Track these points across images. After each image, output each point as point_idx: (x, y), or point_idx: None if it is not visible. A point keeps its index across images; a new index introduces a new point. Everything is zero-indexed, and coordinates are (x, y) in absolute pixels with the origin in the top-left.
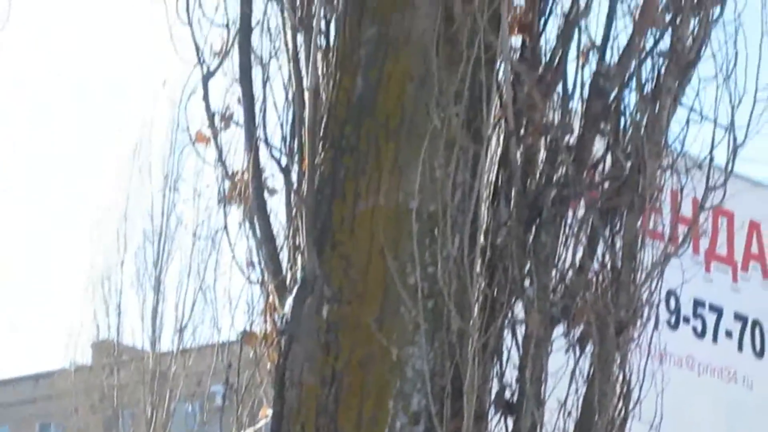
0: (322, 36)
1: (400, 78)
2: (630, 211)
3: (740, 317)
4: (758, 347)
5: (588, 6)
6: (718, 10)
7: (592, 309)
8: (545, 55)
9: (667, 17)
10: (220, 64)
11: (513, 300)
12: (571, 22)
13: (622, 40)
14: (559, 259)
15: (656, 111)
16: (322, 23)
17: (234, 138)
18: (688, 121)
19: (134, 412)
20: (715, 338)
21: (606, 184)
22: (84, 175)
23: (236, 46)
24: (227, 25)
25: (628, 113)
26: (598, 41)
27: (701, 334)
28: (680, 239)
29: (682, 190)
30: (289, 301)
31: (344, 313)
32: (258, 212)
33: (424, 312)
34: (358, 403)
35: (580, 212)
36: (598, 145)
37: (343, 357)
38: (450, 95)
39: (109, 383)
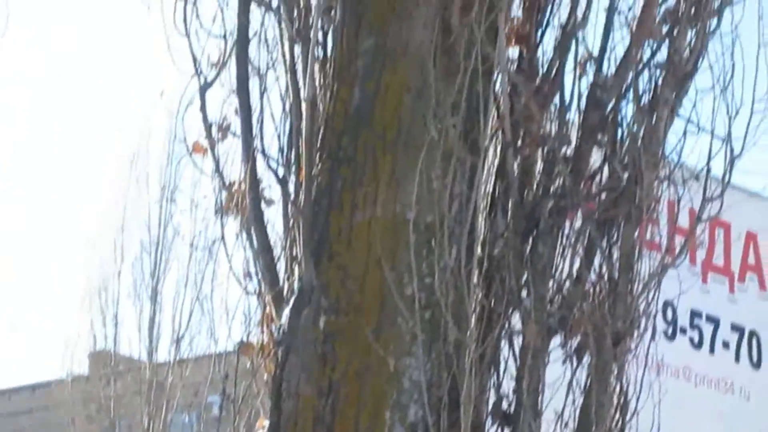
0: (320, 47)
1: (397, 89)
2: (627, 222)
3: (737, 328)
4: (755, 358)
5: (585, 17)
6: (715, 21)
7: (589, 320)
8: (542, 67)
9: (664, 29)
10: (218, 75)
11: (510, 311)
12: (569, 33)
13: (620, 51)
14: (556, 270)
15: (653, 122)
16: (320, 34)
17: (231, 149)
18: (685, 133)
19: (131, 422)
20: (712, 349)
21: (603, 195)
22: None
23: (233, 57)
24: (224, 36)
25: (625, 124)
26: (596, 52)
27: (698, 345)
28: (677, 250)
29: (679, 201)
30: (286, 311)
31: (341, 323)
32: (255, 223)
33: (422, 323)
34: (355, 414)
35: (578, 223)
36: (595, 156)
37: (340, 368)
38: (447, 106)
39: (106, 394)
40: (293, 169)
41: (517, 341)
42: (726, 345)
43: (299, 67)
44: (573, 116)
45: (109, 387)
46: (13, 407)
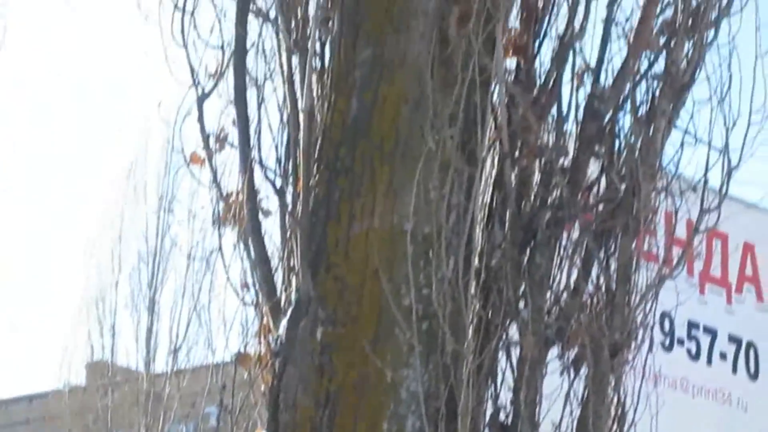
0: (317, 58)
1: (395, 100)
2: (624, 233)
3: (734, 339)
4: (752, 369)
5: (582, 28)
6: (712, 33)
7: (587, 331)
8: (540, 78)
9: (662, 40)
10: (215, 85)
11: (507, 322)
12: (566, 44)
13: (617, 62)
14: (553, 281)
15: (651, 133)
16: (317, 45)
17: (229, 159)
18: (682, 144)
19: None
20: (709, 360)
21: (600, 207)
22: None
23: (231, 67)
24: (222, 47)
25: (622, 135)
26: (593, 64)
27: (695, 356)
28: (675, 261)
29: (676, 212)
30: (284, 322)
31: (338, 335)
32: (252, 234)
33: (419, 334)
34: (353, 425)
35: (575, 234)
36: (593, 168)
37: (337, 379)
38: (445, 117)
39: (103, 404)
40: (291, 179)
41: (515, 352)
42: (723, 356)
43: (297, 77)
44: (570, 127)
45: (106, 398)
46: (10, 418)
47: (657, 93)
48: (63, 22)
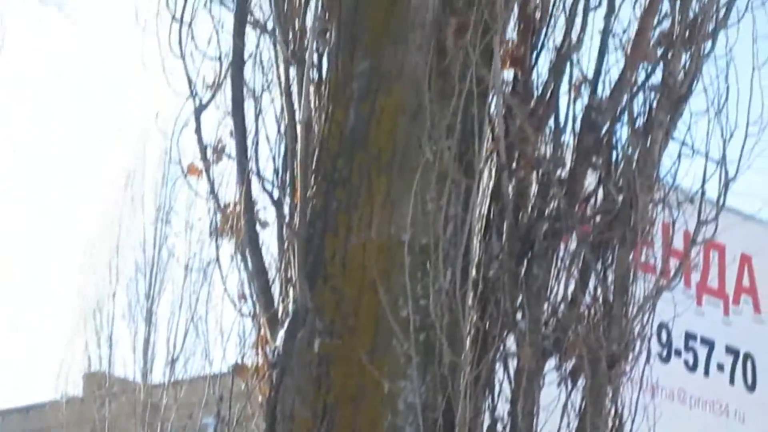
0: (315, 69)
1: (392, 111)
2: (622, 244)
3: (732, 350)
4: (750, 381)
5: (580, 40)
6: (709, 44)
7: (584, 342)
8: (537, 89)
9: (659, 51)
10: (213, 96)
11: (505, 333)
12: (563, 55)
13: (614, 74)
14: (551, 293)
15: (648, 145)
16: (315, 56)
17: (226, 171)
18: (679, 155)
19: None
20: (706, 371)
21: (598, 218)
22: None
23: (229, 79)
24: (220, 58)
25: (619, 147)
26: (590, 75)
27: (693, 368)
28: (672, 273)
29: (673, 223)
30: (281, 334)
31: (336, 346)
32: (250, 245)
33: (416, 345)
34: None
35: (572, 246)
36: (590, 179)
37: (334, 390)
38: (442, 129)
39: (100, 415)
40: (288, 191)
41: (512, 364)
42: (721, 367)
43: (294, 89)
44: (568, 139)
45: (104, 408)
46: (7, 429)
47: (654, 104)
48: (62, 33)
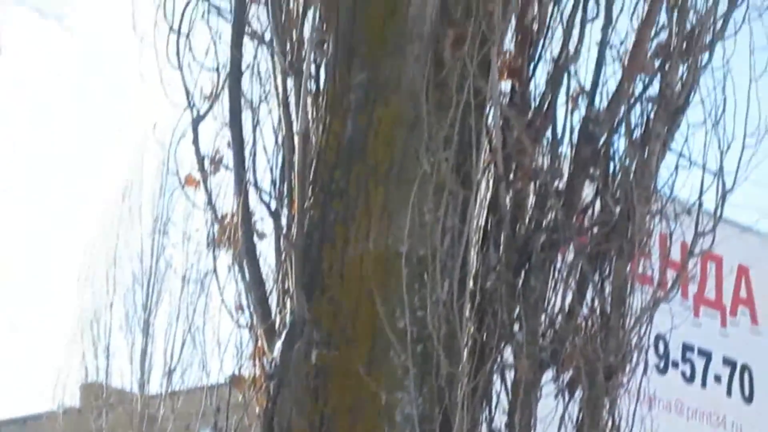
0: (312, 80)
1: (389, 123)
2: (619, 256)
3: (729, 362)
4: (747, 392)
5: (577, 51)
6: (706, 56)
7: (582, 354)
8: (534, 100)
9: (656, 63)
10: (210, 107)
11: (502, 345)
12: (561, 67)
13: (612, 85)
14: (548, 304)
15: (645, 156)
16: (312, 68)
17: (223, 182)
18: (677, 167)
19: None
20: (704, 383)
21: (595, 229)
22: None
23: (226, 89)
24: (217, 69)
25: (617, 158)
26: (588, 86)
27: (690, 379)
28: (669, 284)
29: (671, 235)
30: (278, 345)
31: (333, 357)
32: (247, 256)
33: (414, 356)
34: None
35: (570, 257)
36: (588, 191)
37: (331, 402)
38: (439, 140)
39: (97, 426)
40: (285, 202)
41: (509, 375)
42: (718, 379)
43: (292, 100)
44: (565, 150)
45: (101, 419)
46: None
47: (652, 116)
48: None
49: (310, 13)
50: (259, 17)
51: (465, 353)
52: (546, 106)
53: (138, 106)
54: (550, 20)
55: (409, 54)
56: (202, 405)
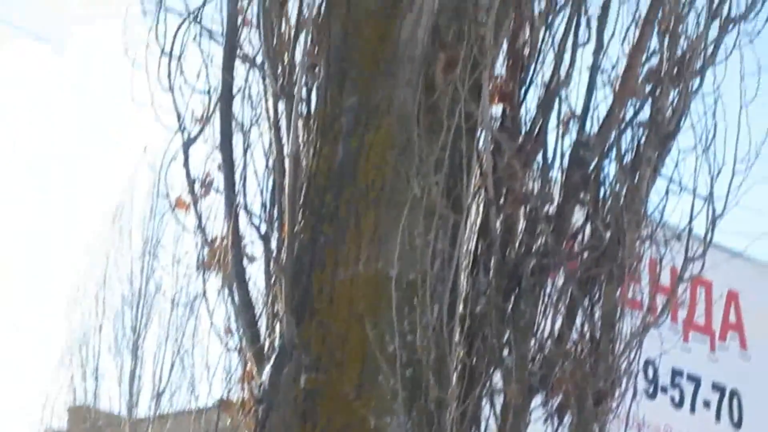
0: (304, 104)
1: (380, 146)
2: (609, 281)
3: (718, 387)
4: (736, 417)
5: (568, 76)
6: (697, 81)
7: (571, 379)
8: (525, 125)
9: (647, 88)
10: (201, 130)
11: (492, 369)
12: (552, 91)
13: (602, 110)
14: (538, 329)
15: (636, 181)
16: (304, 91)
17: (214, 205)
18: (667, 192)
19: None
20: (692, 408)
21: (585, 254)
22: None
23: (217, 112)
24: (208, 92)
25: (607, 183)
26: (579, 111)
27: (679, 404)
28: (659, 309)
29: (661, 260)
30: (267, 369)
31: (322, 381)
32: (237, 279)
33: (403, 380)
34: None
35: (560, 282)
36: (578, 215)
37: (320, 426)
38: (430, 164)
39: None
40: (276, 225)
41: (499, 400)
42: (707, 404)
43: (283, 123)
44: (556, 174)
45: None
46: None
47: (642, 141)
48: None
49: (301, 37)
50: (250, 40)
51: (454, 377)
52: (537, 130)
53: (129, 128)
54: (541, 45)
55: (401, 78)
56: (190, 429)
